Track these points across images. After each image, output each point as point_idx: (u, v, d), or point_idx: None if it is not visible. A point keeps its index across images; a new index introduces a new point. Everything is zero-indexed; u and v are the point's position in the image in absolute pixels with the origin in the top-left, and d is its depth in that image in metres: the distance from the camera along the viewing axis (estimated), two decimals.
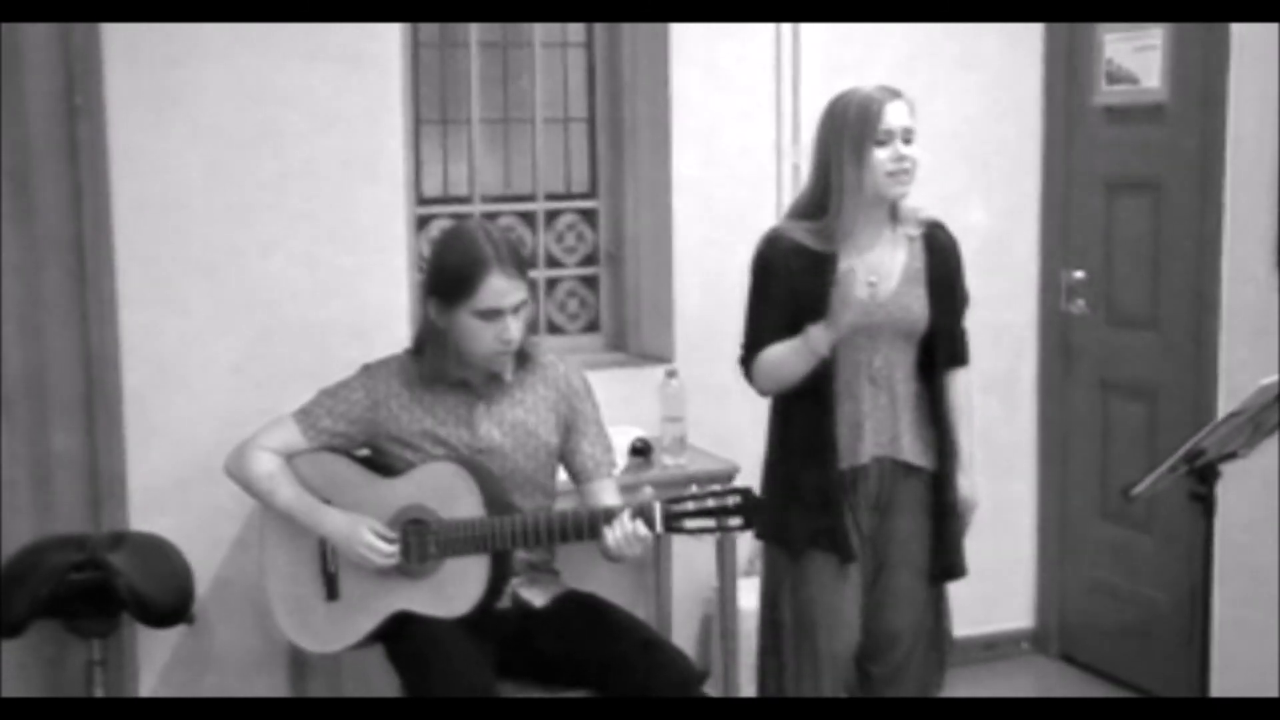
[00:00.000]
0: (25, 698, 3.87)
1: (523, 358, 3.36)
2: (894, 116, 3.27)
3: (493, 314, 3.20)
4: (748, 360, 3.38)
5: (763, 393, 3.41)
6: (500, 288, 3.19)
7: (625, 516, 3.12)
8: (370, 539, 3.22)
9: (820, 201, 3.32)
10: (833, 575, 3.37)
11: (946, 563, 3.45)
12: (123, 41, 3.81)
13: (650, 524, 3.10)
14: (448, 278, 3.24)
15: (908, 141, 3.28)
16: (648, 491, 3.20)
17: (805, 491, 3.35)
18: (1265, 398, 3.05)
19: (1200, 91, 4.22)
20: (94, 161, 3.82)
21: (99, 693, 3.78)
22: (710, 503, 3.08)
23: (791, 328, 3.27)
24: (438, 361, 3.30)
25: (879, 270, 3.32)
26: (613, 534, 3.11)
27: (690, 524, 3.09)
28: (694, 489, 3.12)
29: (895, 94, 3.30)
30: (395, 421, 3.31)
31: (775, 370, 3.32)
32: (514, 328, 3.23)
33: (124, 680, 3.96)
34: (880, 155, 3.25)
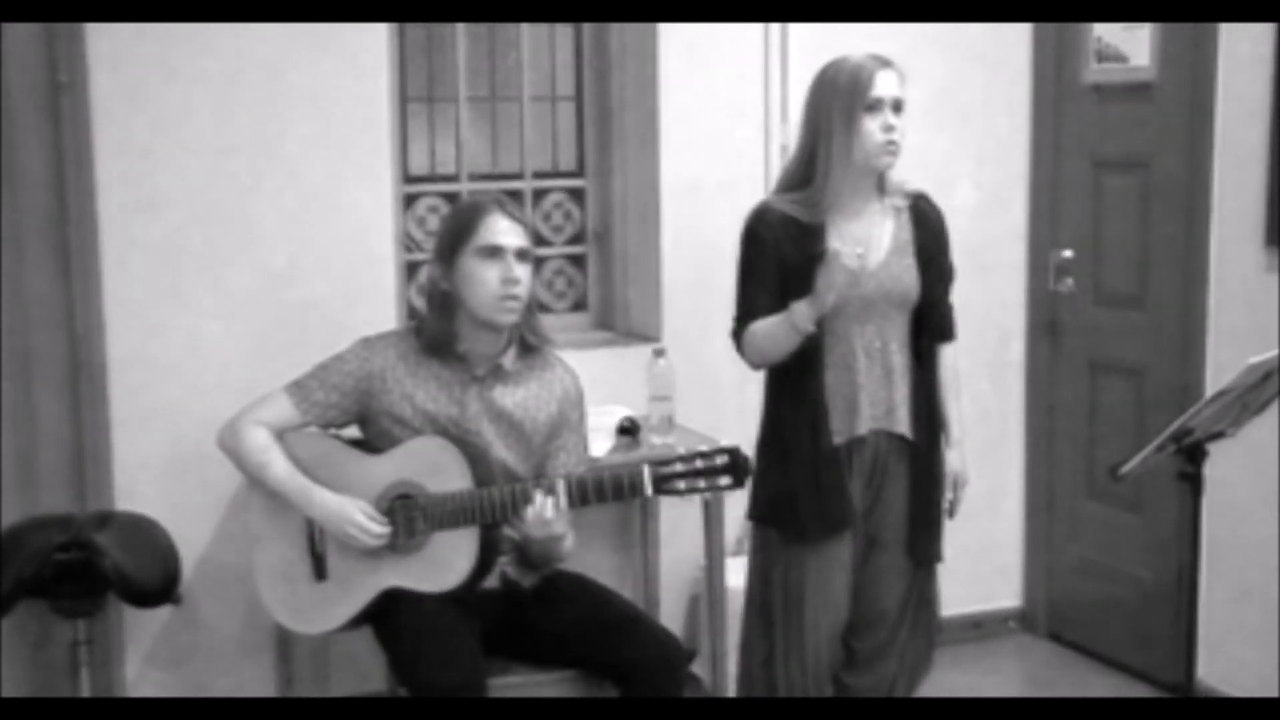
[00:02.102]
0: (14, 698, 3.86)
1: (528, 350, 3.35)
2: (884, 85, 3.26)
3: (494, 251, 3.21)
4: (738, 333, 3.38)
5: (753, 366, 3.40)
6: (501, 226, 3.23)
7: (537, 495, 3.12)
8: (360, 520, 3.21)
9: (808, 171, 3.32)
10: (825, 554, 3.37)
11: (924, 546, 3.45)
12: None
13: (556, 500, 3.12)
14: (450, 231, 3.29)
15: (897, 111, 3.28)
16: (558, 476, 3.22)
17: (800, 469, 3.35)
18: (1253, 377, 3.05)
19: (1189, 70, 4.21)
20: (77, 139, 3.80)
21: (84, 673, 3.77)
22: (699, 464, 3.08)
23: (781, 298, 3.26)
24: (441, 328, 3.29)
25: (867, 241, 3.32)
26: (529, 512, 3.13)
27: (680, 485, 3.09)
28: (681, 451, 3.12)
29: (886, 63, 3.30)
30: (388, 394, 3.29)
31: (763, 345, 3.32)
32: (518, 269, 3.22)
33: (109, 661, 3.95)
34: (871, 124, 3.25)
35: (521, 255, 3.25)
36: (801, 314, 3.20)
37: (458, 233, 3.26)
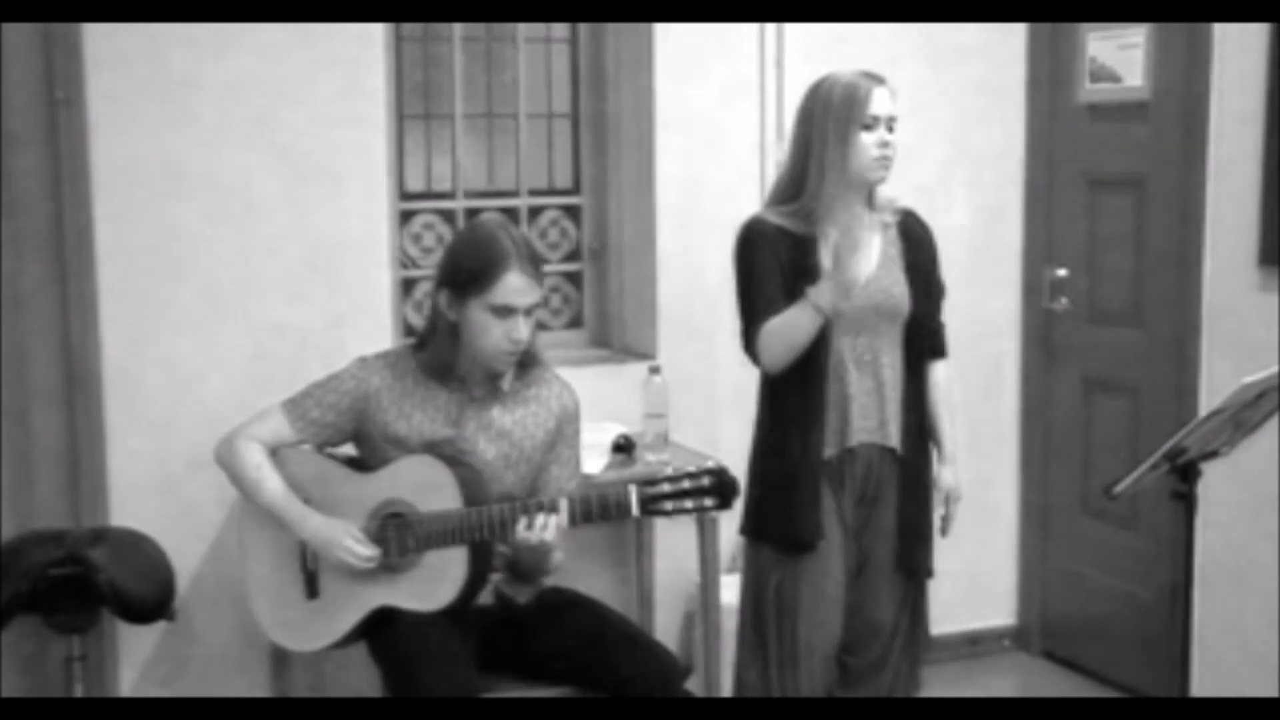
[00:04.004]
0: (6, 698, 3.85)
1: (524, 368, 3.35)
2: (880, 103, 3.28)
3: (506, 311, 3.19)
4: (751, 339, 3.35)
5: (771, 368, 3.34)
6: (517, 285, 3.19)
7: (539, 515, 3.11)
8: (350, 543, 3.21)
9: (796, 184, 3.33)
10: (817, 568, 3.37)
11: (914, 559, 3.45)
12: (104, 34, 3.79)
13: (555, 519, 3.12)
14: (465, 270, 3.22)
15: (890, 129, 3.30)
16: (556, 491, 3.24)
17: (793, 481, 3.35)
18: (1247, 395, 3.06)
19: (1183, 89, 4.22)
20: (74, 155, 3.81)
21: (78, 689, 3.76)
22: (686, 484, 3.08)
23: (785, 302, 3.25)
24: (441, 355, 3.28)
25: (867, 246, 3.32)
26: (521, 527, 3.12)
27: (666, 505, 3.09)
28: (669, 471, 3.13)
29: (880, 80, 3.31)
30: (384, 414, 3.29)
31: (781, 339, 3.27)
32: (524, 329, 3.22)
33: (104, 676, 3.95)
34: (866, 140, 3.27)
35: (531, 311, 3.24)
36: (823, 293, 3.16)
37: (473, 278, 3.20)
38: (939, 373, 3.51)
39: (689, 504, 3.09)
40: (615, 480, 3.86)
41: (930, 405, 3.49)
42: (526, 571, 3.32)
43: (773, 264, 3.31)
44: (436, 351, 3.29)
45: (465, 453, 3.28)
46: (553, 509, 3.13)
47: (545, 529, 3.11)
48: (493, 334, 3.21)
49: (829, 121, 3.28)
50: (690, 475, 3.09)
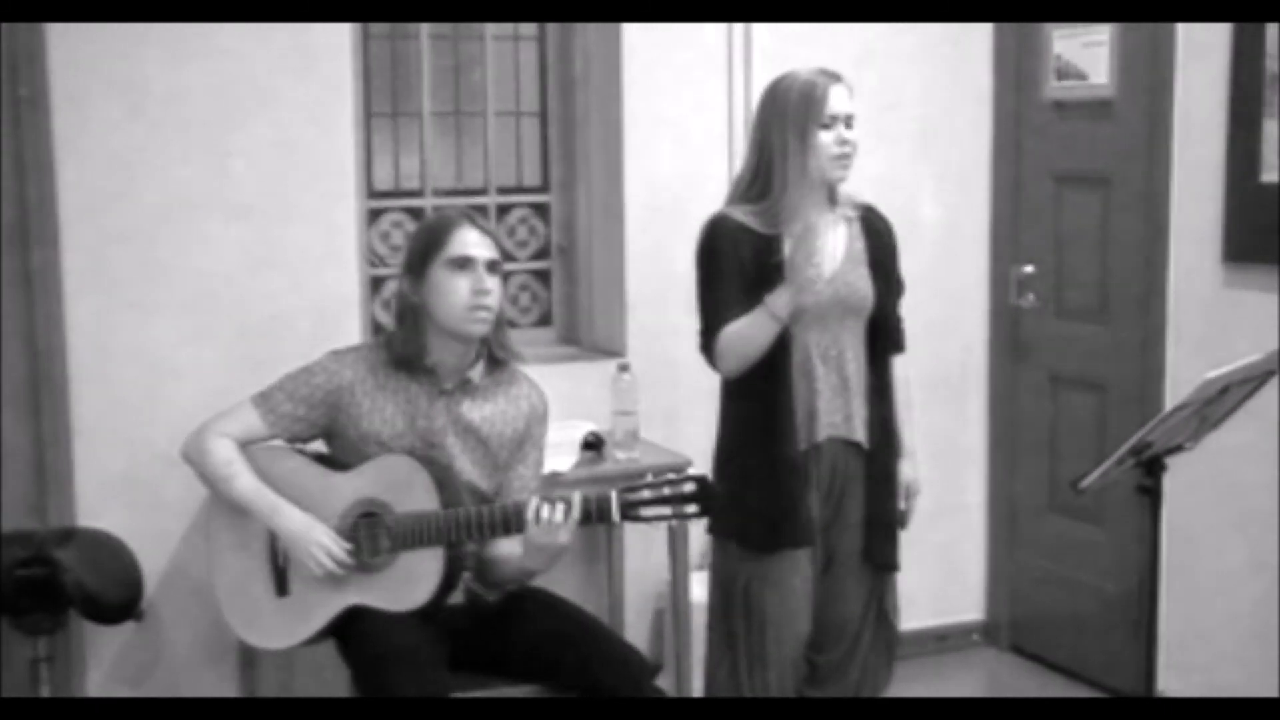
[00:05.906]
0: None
1: (496, 364, 3.36)
2: (837, 101, 3.30)
3: (465, 262, 3.21)
4: (709, 342, 3.37)
5: (727, 373, 3.38)
6: (471, 238, 3.24)
7: (545, 506, 3.09)
8: (325, 541, 3.19)
9: (759, 185, 3.35)
10: (785, 566, 3.38)
11: (880, 552, 3.46)
12: (67, 32, 3.76)
13: (569, 511, 3.09)
14: (419, 243, 3.30)
15: (849, 126, 3.32)
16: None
17: (762, 478, 3.35)
18: (1211, 391, 3.08)
19: (1148, 87, 4.25)
20: (38, 154, 3.78)
21: (45, 690, 3.74)
22: (666, 490, 3.07)
23: (746, 304, 3.27)
24: (411, 342, 3.28)
25: (822, 250, 3.34)
26: (540, 517, 3.10)
27: (646, 512, 3.07)
28: (650, 477, 3.12)
29: (836, 77, 3.33)
30: (356, 407, 3.28)
31: (739, 344, 3.30)
32: (489, 283, 3.23)
33: (71, 678, 3.92)
34: (825, 138, 3.29)
35: (492, 267, 3.26)
36: (778, 300, 3.20)
37: (428, 245, 3.27)
38: (897, 367, 3.54)
39: (669, 510, 3.07)
40: (591, 479, 3.87)
41: (892, 397, 3.51)
42: (533, 569, 3.26)
43: (734, 266, 3.32)
44: (405, 340, 3.29)
45: (435, 446, 3.27)
46: (519, 509, 3.12)
47: (556, 516, 3.09)
48: (458, 291, 3.21)
49: (788, 123, 3.30)
50: (670, 482, 3.07)
